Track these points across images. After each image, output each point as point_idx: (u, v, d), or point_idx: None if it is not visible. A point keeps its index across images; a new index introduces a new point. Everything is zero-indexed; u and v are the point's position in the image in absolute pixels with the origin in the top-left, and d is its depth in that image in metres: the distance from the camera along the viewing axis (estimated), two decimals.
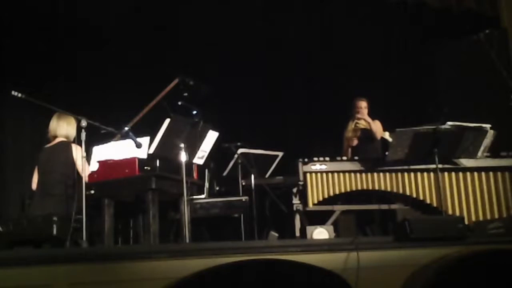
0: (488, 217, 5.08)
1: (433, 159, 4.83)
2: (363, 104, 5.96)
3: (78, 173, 4.44)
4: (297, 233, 5.22)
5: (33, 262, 2.77)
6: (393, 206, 5.47)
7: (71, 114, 4.47)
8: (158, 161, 4.30)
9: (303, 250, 3.17)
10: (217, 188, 5.87)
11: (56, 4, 6.26)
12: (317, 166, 5.23)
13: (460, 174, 5.20)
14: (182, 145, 4.35)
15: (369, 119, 5.93)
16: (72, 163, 4.57)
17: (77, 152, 4.49)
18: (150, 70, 6.49)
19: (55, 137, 4.76)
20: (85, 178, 4.17)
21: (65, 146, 4.67)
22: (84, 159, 4.19)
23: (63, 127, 4.73)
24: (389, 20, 7.08)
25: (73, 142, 4.66)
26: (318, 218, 5.21)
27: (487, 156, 5.18)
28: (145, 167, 4.26)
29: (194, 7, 6.59)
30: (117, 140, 4.64)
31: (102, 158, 4.47)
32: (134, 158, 4.27)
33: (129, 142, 4.36)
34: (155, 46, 6.68)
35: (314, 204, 5.20)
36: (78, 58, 6.41)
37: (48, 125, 4.78)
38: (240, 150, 5.71)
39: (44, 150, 4.77)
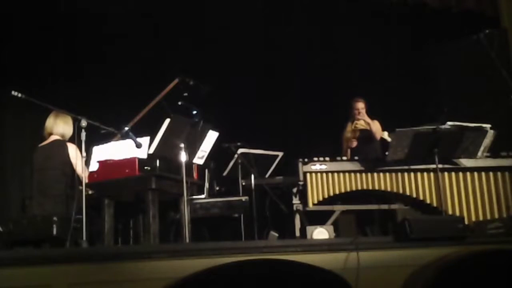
0: (488, 217, 5.08)
1: (433, 159, 4.83)
2: (360, 105, 5.95)
3: (76, 172, 4.44)
4: (297, 233, 5.21)
5: (33, 262, 2.77)
6: (393, 206, 5.47)
7: (70, 114, 4.46)
8: (158, 161, 4.30)
9: (303, 250, 3.17)
10: (217, 188, 5.86)
11: (56, 4, 6.26)
12: (317, 166, 5.23)
13: (460, 174, 5.19)
14: (182, 145, 4.36)
15: (368, 120, 5.93)
16: (69, 161, 4.57)
17: (75, 153, 4.48)
18: (150, 70, 6.49)
19: (50, 135, 4.75)
20: (84, 179, 4.17)
21: (61, 145, 4.67)
22: (83, 159, 4.18)
23: (60, 126, 4.72)
24: (389, 20, 7.07)
25: (69, 141, 4.66)
26: (318, 218, 5.20)
27: (487, 156, 5.18)
28: (145, 167, 4.26)
29: (194, 7, 6.59)
30: (117, 140, 4.64)
31: (102, 158, 4.47)
32: (134, 158, 4.27)
33: (129, 142, 4.36)
34: (155, 46, 6.68)
35: (314, 204, 5.20)
36: (78, 58, 6.41)
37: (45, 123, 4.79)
38: (240, 150, 5.71)
39: (39, 148, 4.77)
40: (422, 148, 4.88)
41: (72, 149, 4.58)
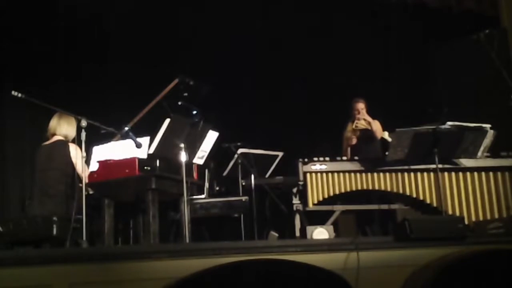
0: (488, 217, 5.08)
1: (433, 159, 4.83)
2: (360, 106, 5.96)
3: (77, 172, 4.44)
4: (297, 233, 5.22)
5: (33, 262, 2.77)
6: (393, 206, 5.47)
7: (71, 114, 4.47)
8: (158, 161, 4.30)
9: (303, 250, 3.17)
10: (217, 188, 5.87)
11: (56, 4, 6.26)
12: (317, 166, 5.23)
13: (460, 174, 5.19)
14: (182, 145, 4.36)
15: (369, 118, 5.93)
16: (70, 162, 4.58)
17: (76, 152, 4.49)
18: (150, 70, 6.49)
19: (54, 135, 4.77)
20: (85, 179, 4.18)
21: (63, 145, 4.68)
22: (84, 159, 4.19)
23: (63, 127, 4.74)
24: (389, 20, 7.07)
25: (72, 142, 4.67)
26: (318, 218, 5.21)
27: (487, 156, 5.18)
28: (145, 167, 4.26)
29: (194, 7, 6.59)
30: (117, 140, 4.64)
31: (102, 158, 4.47)
32: (134, 158, 4.27)
33: (129, 142, 4.36)
34: (155, 46, 6.68)
35: (314, 204, 5.20)
36: (78, 58, 6.41)
37: (49, 124, 4.80)
38: (240, 150, 5.71)
39: (41, 148, 4.78)
40: (422, 148, 4.87)
41: (73, 148, 4.59)
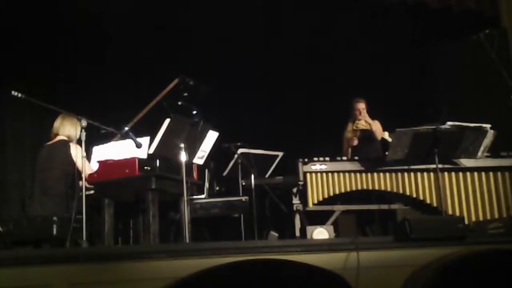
0: (488, 217, 5.09)
1: (433, 159, 4.83)
2: (361, 106, 5.96)
3: (78, 172, 4.45)
4: (297, 233, 5.22)
5: (33, 262, 2.76)
6: (393, 206, 5.47)
7: (71, 114, 4.47)
8: (158, 161, 4.30)
9: (303, 250, 3.17)
10: (217, 188, 5.86)
11: (56, 4, 6.26)
12: (317, 166, 5.23)
13: (460, 174, 5.20)
14: (182, 145, 4.36)
15: (369, 120, 5.93)
16: (71, 161, 4.58)
17: (77, 152, 4.49)
18: (150, 70, 6.49)
19: (57, 135, 4.78)
20: (86, 177, 4.18)
21: (65, 144, 4.69)
22: (85, 158, 4.19)
23: (67, 128, 4.75)
24: (389, 20, 7.07)
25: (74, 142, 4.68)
26: (318, 218, 5.21)
27: (487, 156, 5.18)
28: (145, 167, 4.26)
29: (195, 7, 6.59)
30: (117, 140, 4.64)
31: (102, 158, 4.47)
32: (134, 158, 4.27)
33: (129, 142, 4.36)
34: (155, 46, 6.68)
35: (314, 204, 5.20)
36: (78, 58, 6.41)
37: (49, 124, 4.81)
38: (240, 150, 5.71)
39: (43, 147, 4.80)
40: (422, 148, 4.88)
41: (73, 148, 4.60)
